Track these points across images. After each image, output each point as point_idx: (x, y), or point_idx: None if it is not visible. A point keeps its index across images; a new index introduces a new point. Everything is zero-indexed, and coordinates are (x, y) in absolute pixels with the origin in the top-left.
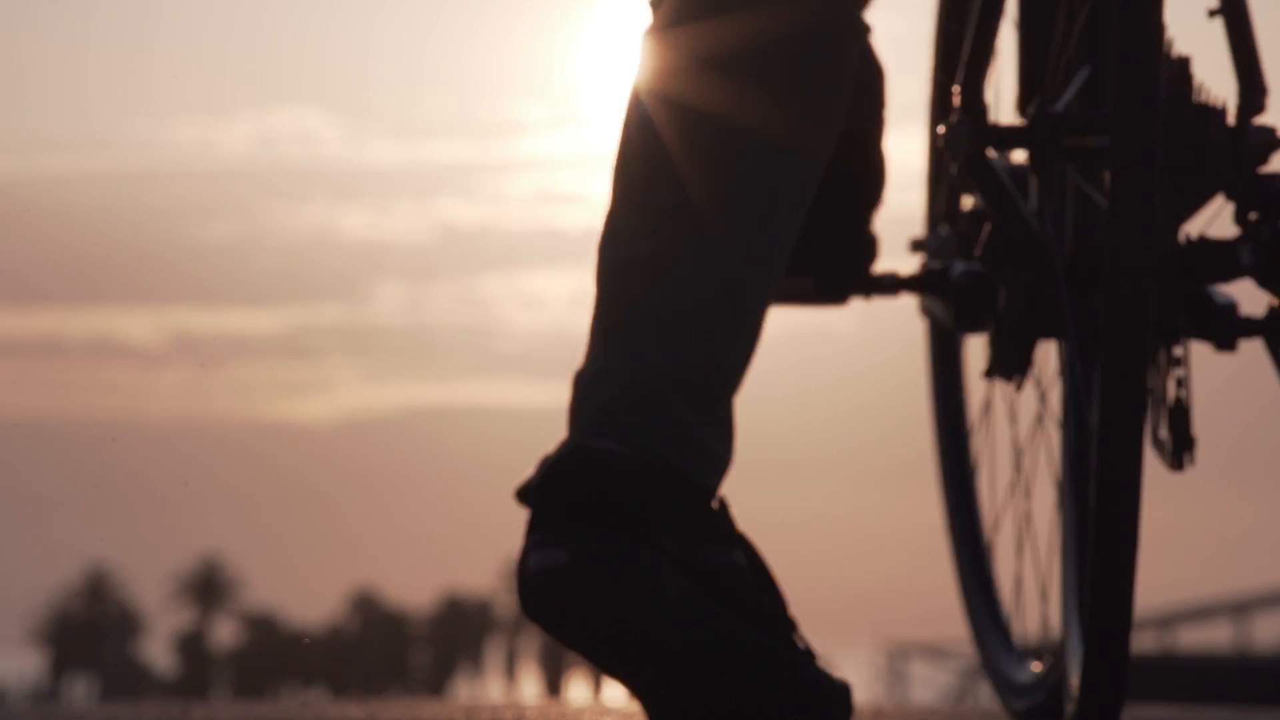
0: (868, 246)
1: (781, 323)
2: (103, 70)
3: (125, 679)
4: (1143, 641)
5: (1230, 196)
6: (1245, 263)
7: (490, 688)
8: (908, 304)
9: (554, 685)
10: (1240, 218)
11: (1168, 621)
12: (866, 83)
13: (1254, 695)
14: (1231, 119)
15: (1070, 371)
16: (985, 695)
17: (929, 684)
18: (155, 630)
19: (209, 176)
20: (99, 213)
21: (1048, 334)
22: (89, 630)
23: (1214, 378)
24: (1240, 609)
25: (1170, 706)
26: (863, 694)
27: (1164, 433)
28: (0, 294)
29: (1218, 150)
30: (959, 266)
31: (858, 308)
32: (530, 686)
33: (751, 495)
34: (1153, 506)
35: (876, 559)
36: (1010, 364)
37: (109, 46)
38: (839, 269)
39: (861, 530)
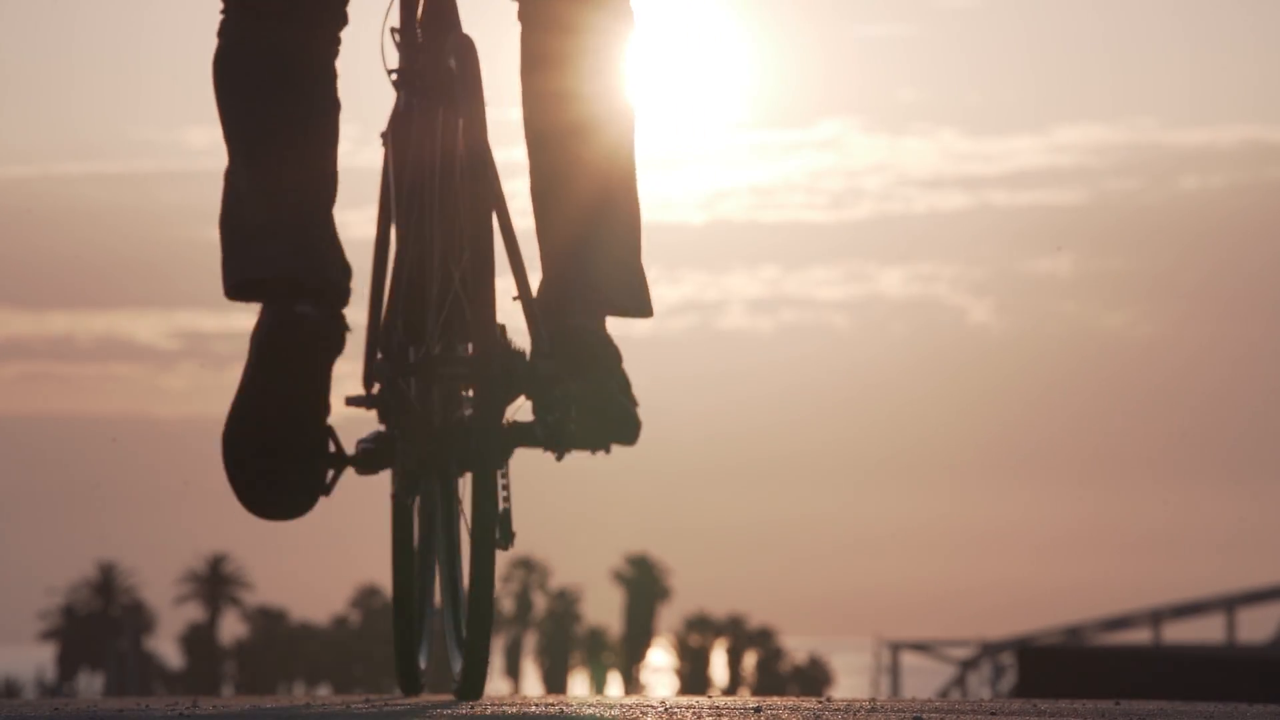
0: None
1: (782, 323)
2: (111, 75)
3: (134, 673)
4: (1135, 636)
5: (529, 396)
6: (538, 436)
7: (493, 683)
8: (909, 307)
9: (556, 681)
10: (536, 411)
11: (1158, 616)
12: None
13: (1242, 689)
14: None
15: (440, 495)
16: (974, 689)
17: (924, 680)
18: (164, 626)
19: (218, 180)
20: (110, 216)
21: (428, 476)
22: (99, 626)
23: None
24: (1229, 605)
25: (1159, 700)
26: (859, 689)
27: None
28: (14, 297)
29: (522, 375)
30: (372, 433)
31: (858, 308)
32: (532, 681)
33: (752, 495)
34: (1154, 506)
35: (874, 559)
36: (406, 489)
37: (117, 52)
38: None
39: (861, 530)
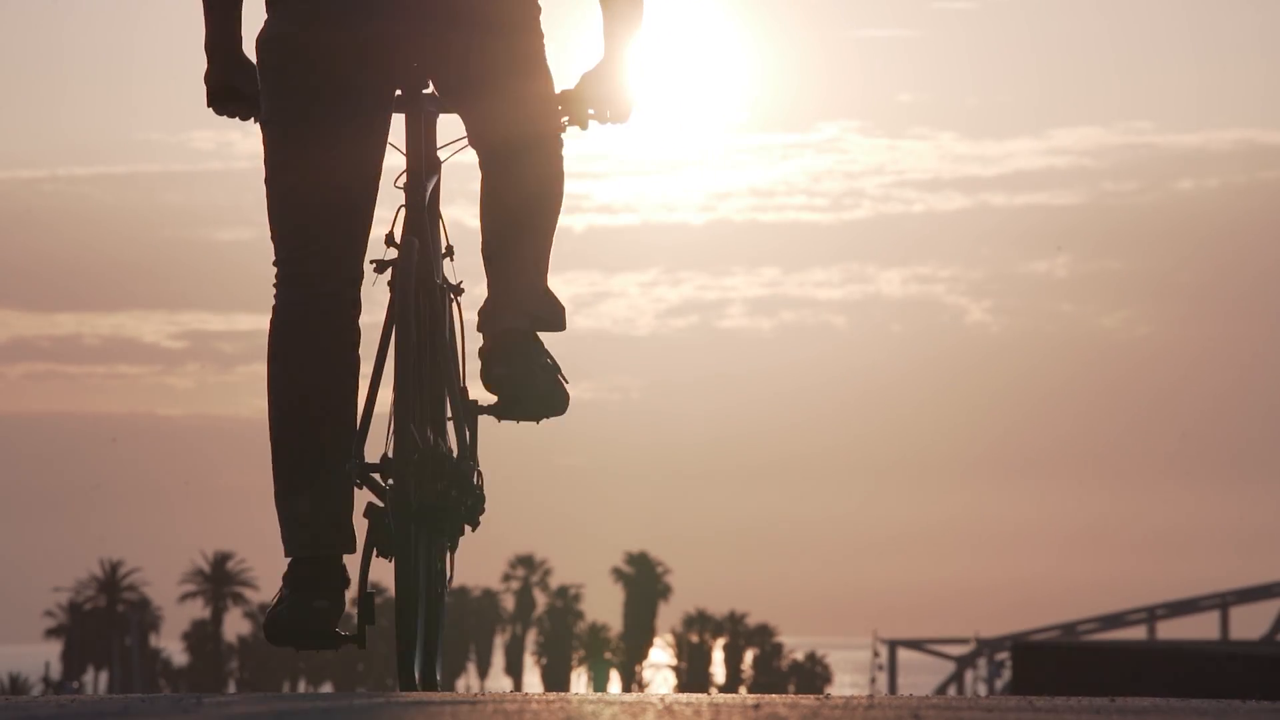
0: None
1: (782, 323)
2: (117, 79)
3: (139, 670)
4: (1130, 633)
5: (451, 484)
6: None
7: (495, 680)
8: (908, 308)
9: (556, 678)
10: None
11: (1153, 614)
12: None
13: (1236, 685)
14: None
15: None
16: (971, 686)
17: (921, 677)
18: (168, 623)
19: (223, 184)
20: (116, 218)
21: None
22: (104, 623)
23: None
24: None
25: (1154, 697)
26: (857, 686)
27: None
28: (22, 298)
29: (459, 479)
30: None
31: (858, 309)
32: (533, 679)
33: (751, 494)
34: (1149, 506)
35: (872, 558)
36: (386, 549)
37: (123, 56)
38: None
39: (860, 529)
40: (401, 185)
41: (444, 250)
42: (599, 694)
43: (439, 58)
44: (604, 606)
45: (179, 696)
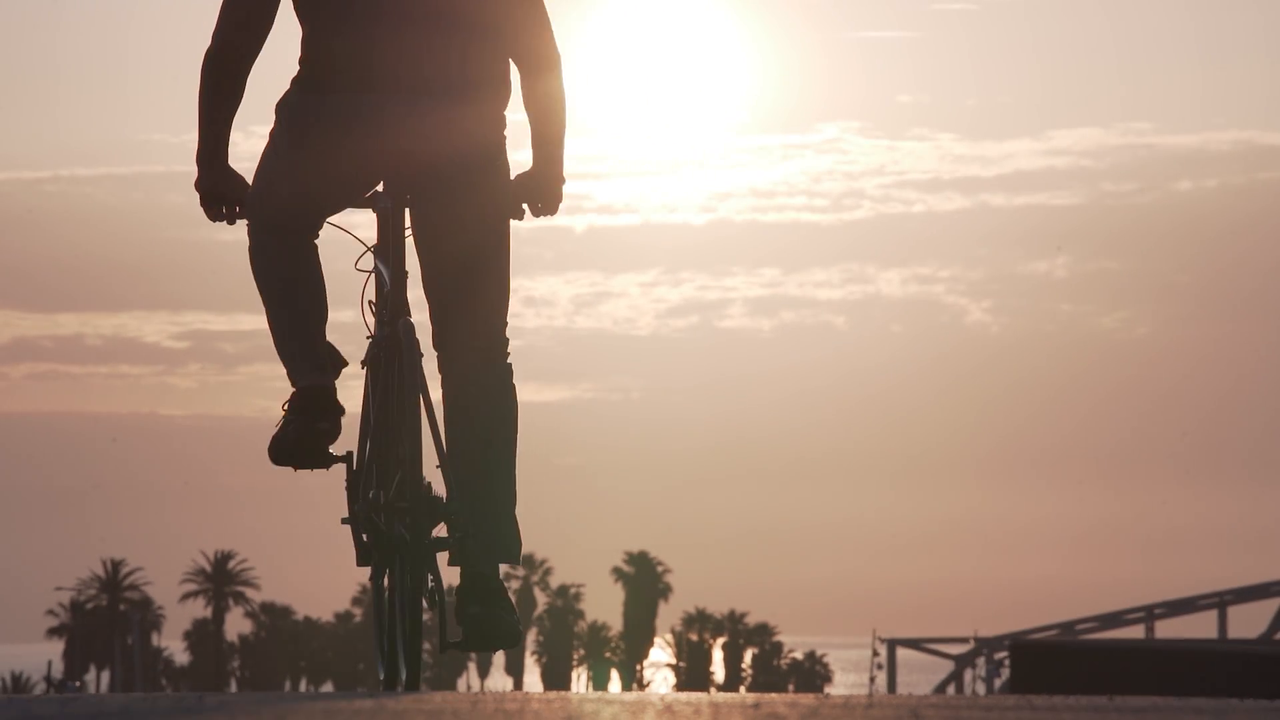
0: None
1: (782, 323)
2: (121, 80)
3: (141, 670)
4: (1129, 633)
5: (445, 523)
6: (448, 545)
7: (495, 679)
8: (908, 308)
9: (556, 678)
10: (450, 532)
11: (1152, 613)
12: None
13: (1233, 684)
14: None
15: (399, 576)
16: (970, 685)
17: (921, 676)
18: (170, 623)
19: None
20: (119, 219)
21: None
22: (106, 623)
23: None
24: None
25: (1152, 696)
26: (856, 685)
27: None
28: (24, 298)
29: (439, 513)
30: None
31: (858, 310)
32: (533, 678)
33: (751, 494)
34: (1148, 505)
35: (872, 557)
36: (378, 574)
37: (127, 58)
38: None
39: (859, 529)
40: (361, 268)
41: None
42: (599, 693)
43: (419, 187)
44: (604, 606)
45: (180, 696)
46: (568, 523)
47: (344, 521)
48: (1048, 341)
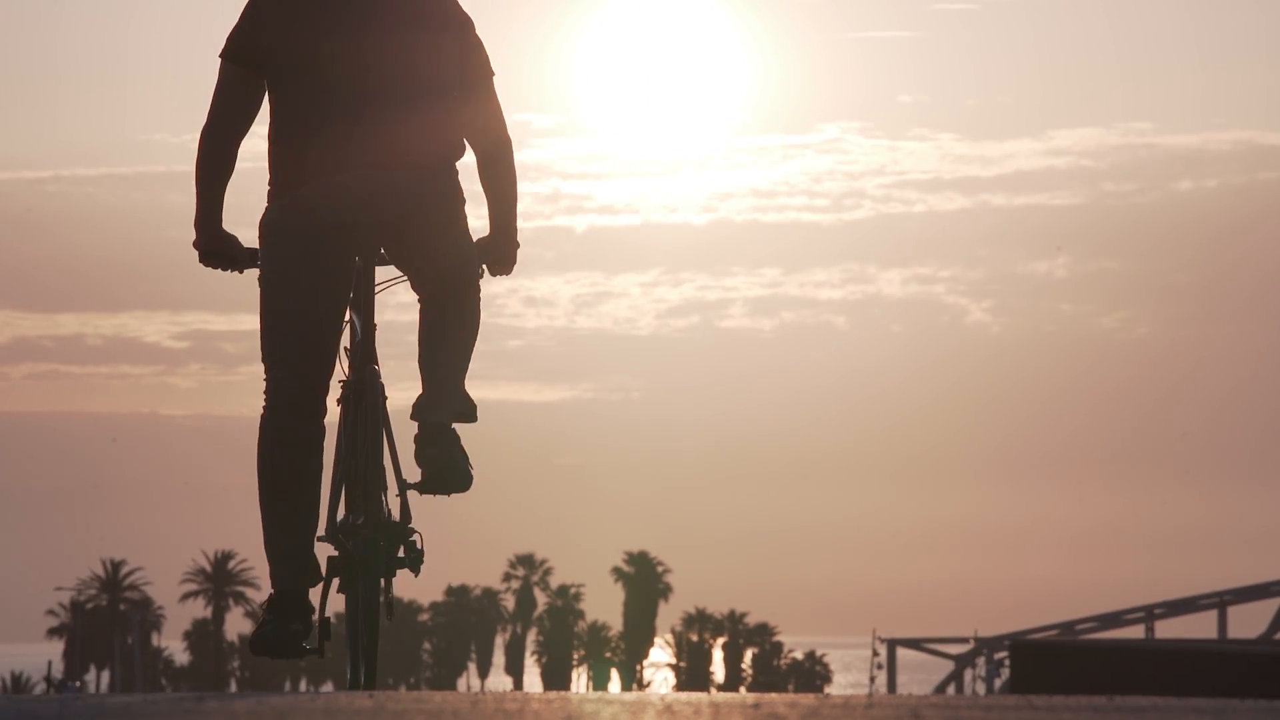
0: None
1: (782, 323)
2: (123, 80)
3: (141, 670)
4: (1129, 633)
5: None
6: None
7: (495, 679)
8: (908, 308)
9: (556, 677)
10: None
11: (1151, 613)
12: None
13: (1234, 684)
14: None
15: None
16: (970, 685)
17: (921, 676)
18: (170, 623)
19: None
20: (120, 219)
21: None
22: (106, 623)
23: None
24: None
25: (1152, 696)
26: (856, 685)
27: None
28: (25, 298)
29: (393, 534)
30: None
31: (858, 310)
32: (533, 678)
33: (751, 494)
34: (1147, 505)
35: (871, 557)
36: (348, 585)
37: (129, 58)
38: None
39: (859, 529)
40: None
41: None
42: (599, 693)
43: (394, 241)
44: (604, 606)
45: (180, 696)
46: (568, 523)
47: (319, 539)
48: (1048, 341)
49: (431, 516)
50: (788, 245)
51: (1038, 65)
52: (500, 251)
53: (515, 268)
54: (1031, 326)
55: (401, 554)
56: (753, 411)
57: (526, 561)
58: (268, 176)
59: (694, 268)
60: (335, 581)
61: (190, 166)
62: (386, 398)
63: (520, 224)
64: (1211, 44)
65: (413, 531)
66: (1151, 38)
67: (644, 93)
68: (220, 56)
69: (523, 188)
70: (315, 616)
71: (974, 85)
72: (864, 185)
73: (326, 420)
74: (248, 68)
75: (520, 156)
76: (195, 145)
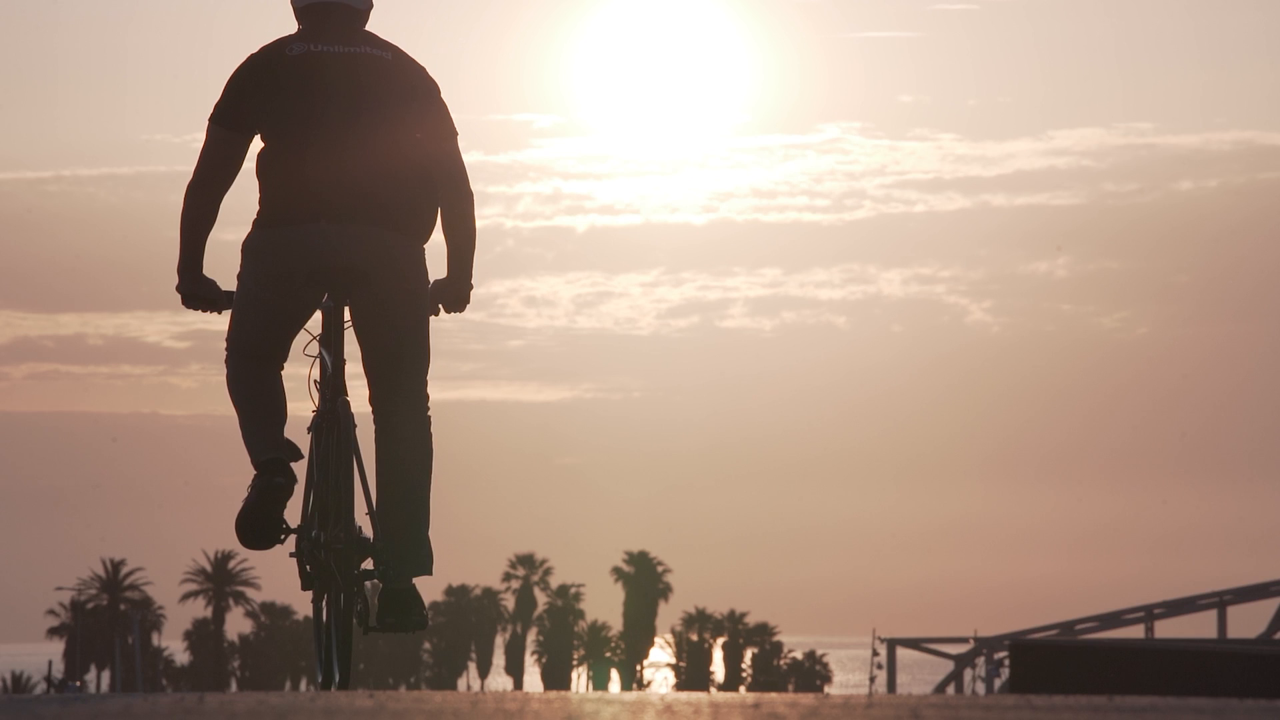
0: None
1: (783, 323)
2: (124, 81)
3: (141, 669)
4: (1128, 632)
5: (372, 558)
6: (377, 574)
7: (496, 679)
8: (909, 308)
9: (556, 677)
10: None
11: (1151, 613)
12: None
13: (1233, 683)
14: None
15: (330, 600)
16: (970, 685)
17: (920, 676)
18: (170, 623)
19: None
20: (121, 218)
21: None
22: (106, 623)
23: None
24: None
25: (1152, 695)
26: (856, 685)
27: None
28: (26, 298)
29: (365, 550)
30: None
31: (858, 310)
32: (533, 678)
33: (751, 494)
34: (1147, 505)
35: (871, 557)
36: (317, 595)
37: (131, 59)
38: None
39: (859, 529)
40: (308, 354)
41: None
42: (599, 693)
43: (360, 285)
44: (604, 606)
45: (181, 696)
46: (568, 523)
47: (291, 555)
48: (1048, 341)
49: (431, 517)
50: (788, 245)
51: (1038, 65)
52: (456, 292)
53: (516, 267)
54: (1031, 326)
55: (369, 566)
56: (753, 411)
57: (527, 561)
58: (258, 196)
59: (694, 268)
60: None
61: (192, 167)
62: (356, 425)
63: (521, 224)
64: (1212, 44)
65: (382, 547)
66: (1152, 38)
67: (645, 93)
68: (208, 120)
69: (524, 187)
70: (294, 482)
71: (974, 85)
72: (864, 185)
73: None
74: (232, 131)
75: (521, 156)
76: (196, 145)
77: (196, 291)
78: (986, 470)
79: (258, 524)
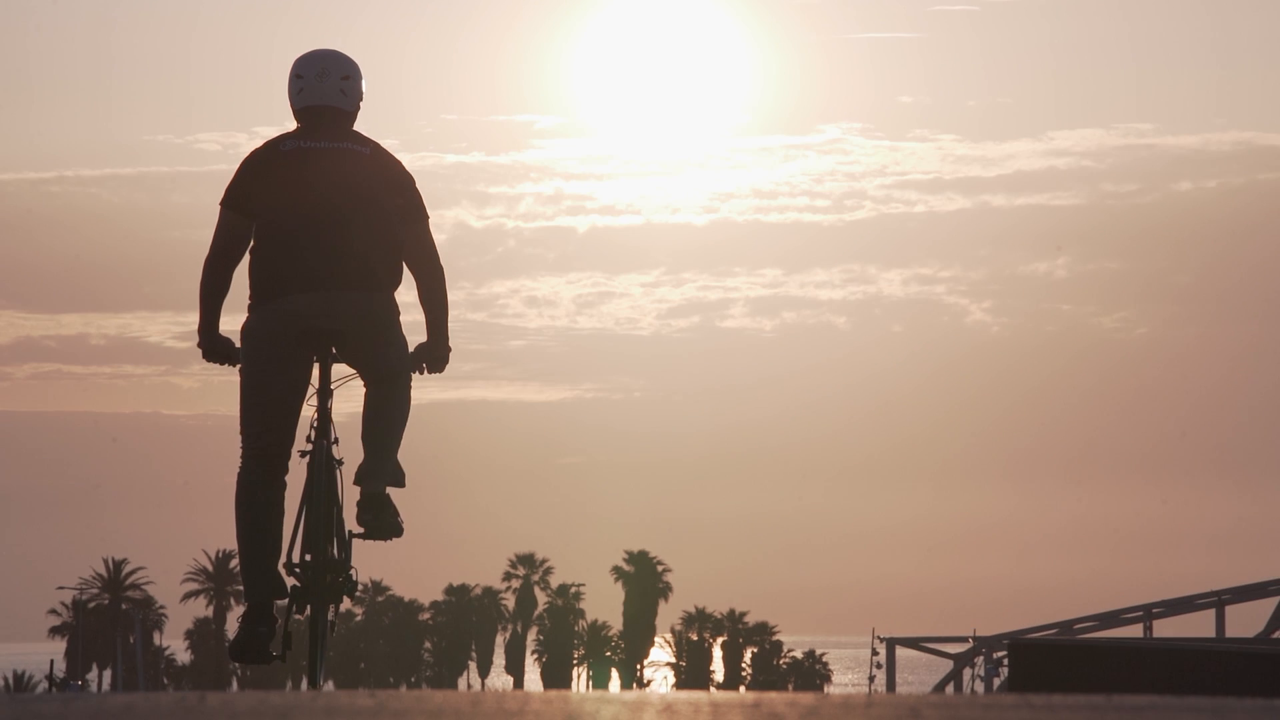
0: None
1: (783, 323)
2: (126, 81)
3: (143, 669)
4: (1127, 632)
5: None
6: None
7: (496, 678)
8: (909, 308)
9: (556, 677)
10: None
11: (1150, 612)
12: None
13: (1231, 683)
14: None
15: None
16: (969, 684)
17: (920, 675)
18: (172, 622)
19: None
20: (123, 219)
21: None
22: (108, 622)
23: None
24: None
25: (1150, 695)
26: (856, 684)
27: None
28: (28, 298)
29: (336, 570)
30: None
31: (859, 310)
32: (533, 677)
33: (751, 493)
34: (1146, 504)
35: (871, 556)
36: (299, 609)
37: (132, 60)
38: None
39: (859, 528)
40: (310, 403)
41: (333, 439)
42: (599, 693)
43: (344, 344)
44: (604, 605)
45: (182, 695)
46: (568, 522)
47: (280, 567)
48: (1048, 341)
49: (432, 516)
50: (789, 245)
51: (1038, 66)
52: (435, 354)
53: (517, 268)
54: (1031, 326)
55: (341, 582)
56: (753, 411)
57: (527, 561)
58: (249, 290)
59: (695, 268)
60: (296, 605)
61: (191, 167)
62: (342, 461)
63: (522, 224)
64: (1211, 45)
65: (351, 567)
66: (1152, 39)
67: (645, 93)
68: (219, 204)
69: (525, 188)
70: (280, 625)
71: (975, 86)
72: (865, 186)
73: (291, 479)
74: (240, 213)
75: (522, 157)
76: (197, 145)
77: (215, 348)
78: (986, 470)
79: (248, 658)
